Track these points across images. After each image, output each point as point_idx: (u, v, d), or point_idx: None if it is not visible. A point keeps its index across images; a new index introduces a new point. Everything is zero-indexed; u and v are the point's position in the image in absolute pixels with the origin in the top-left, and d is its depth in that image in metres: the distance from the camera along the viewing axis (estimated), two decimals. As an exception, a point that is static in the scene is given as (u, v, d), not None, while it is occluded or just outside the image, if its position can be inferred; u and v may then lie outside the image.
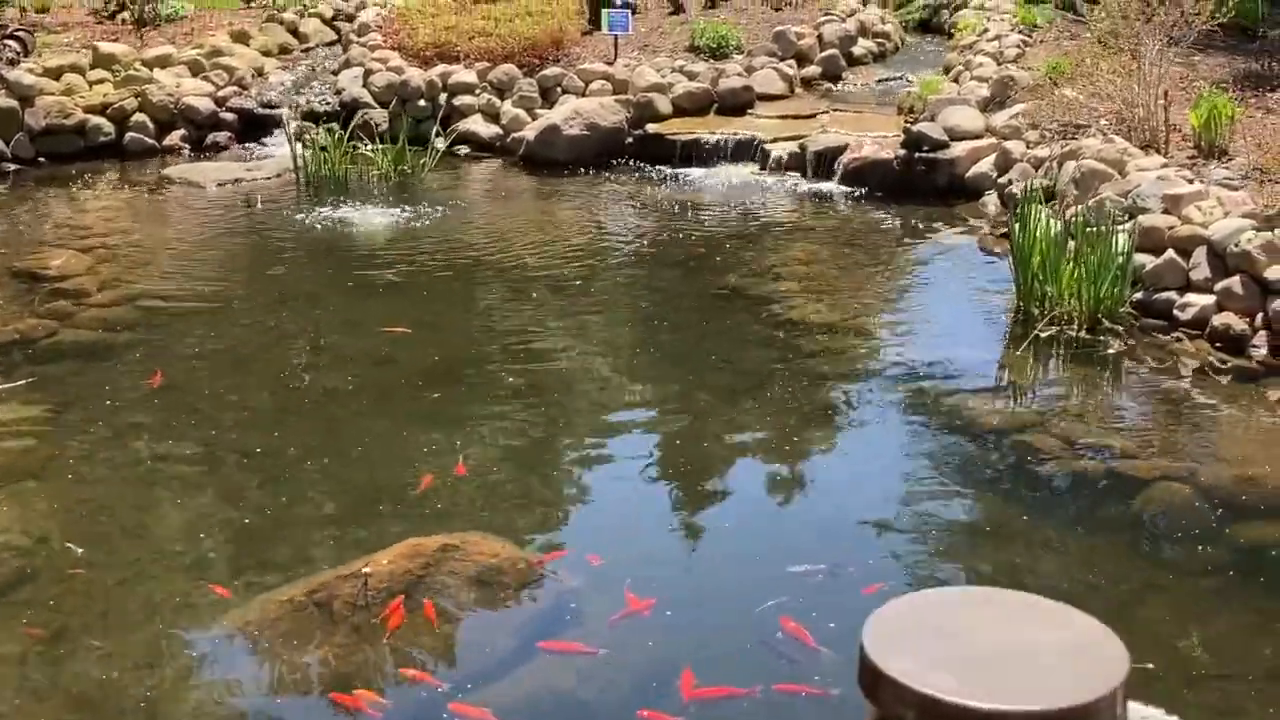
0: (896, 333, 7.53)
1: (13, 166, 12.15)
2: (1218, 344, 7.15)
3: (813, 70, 14.25)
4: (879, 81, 14.21)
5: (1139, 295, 7.67)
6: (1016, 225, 7.74)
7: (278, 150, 12.47)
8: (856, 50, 15.02)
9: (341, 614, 4.65)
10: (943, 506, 5.70)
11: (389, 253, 9.57)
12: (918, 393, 6.75)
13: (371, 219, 10.49)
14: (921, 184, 10.82)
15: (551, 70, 13.44)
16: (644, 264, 9.47)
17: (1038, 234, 7.61)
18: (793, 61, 14.02)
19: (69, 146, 12.53)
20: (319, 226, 10.27)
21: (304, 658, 4.44)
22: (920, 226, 10.16)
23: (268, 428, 6.55)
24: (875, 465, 6.19)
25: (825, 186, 11.26)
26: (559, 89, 13.36)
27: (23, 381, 6.80)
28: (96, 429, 6.41)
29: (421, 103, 13.33)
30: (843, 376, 7.05)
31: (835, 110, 12.82)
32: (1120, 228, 7.83)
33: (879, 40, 15.61)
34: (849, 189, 11.12)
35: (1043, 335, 7.34)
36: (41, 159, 12.39)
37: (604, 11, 13.83)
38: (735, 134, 12.17)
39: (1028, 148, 10.38)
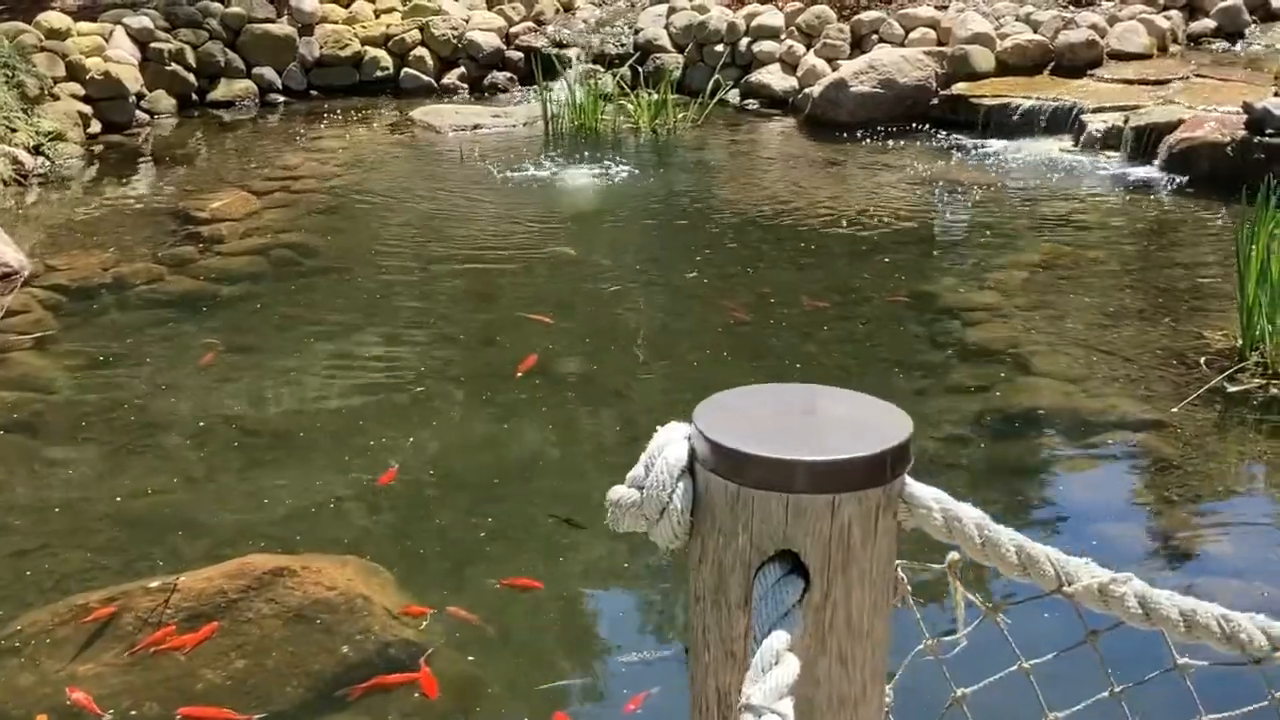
0: (1062, 368, 6.51)
1: (282, 98, 12.87)
2: None
3: (1205, 24, 12.68)
4: (1291, 43, 12.42)
5: None
6: (1246, 235, 6.49)
7: (553, 95, 12.46)
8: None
9: (126, 629, 4.60)
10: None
11: (579, 223, 9.39)
12: (1026, 449, 5.82)
13: (587, 180, 10.35)
14: (1258, 176, 9.30)
15: (868, 15, 12.73)
16: (832, 255, 8.71)
17: (1267, 250, 6.34)
18: (1177, 12, 12.53)
19: (343, 80, 13.11)
20: (526, 185, 10.24)
21: (56, 672, 4.42)
22: (1217, 230, 8.77)
23: (297, 409, 6.58)
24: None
25: (1141, 171, 9.99)
26: (875, 36, 12.64)
27: (31, 335, 7.20)
28: (108, 388, 6.73)
29: (719, 47, 13.02)
30: (956, 414, 6.20)
31: (1199, 76, 11.32)
32: None
33: (1320, -11, 13.61)
34: (1170, 176, 9.80)
35: (1232, 389, 6.10)
36: (314, 91, 13.04)
37: (946, -53, 12.95)
38: (1055, 100, 11.03)
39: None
